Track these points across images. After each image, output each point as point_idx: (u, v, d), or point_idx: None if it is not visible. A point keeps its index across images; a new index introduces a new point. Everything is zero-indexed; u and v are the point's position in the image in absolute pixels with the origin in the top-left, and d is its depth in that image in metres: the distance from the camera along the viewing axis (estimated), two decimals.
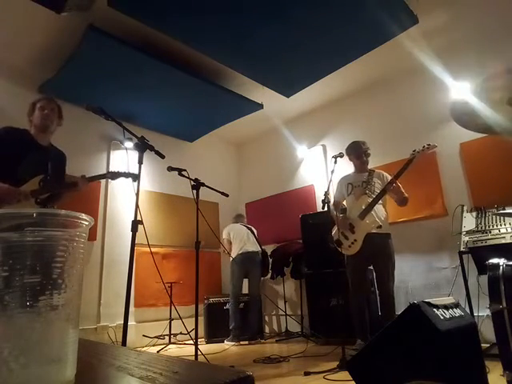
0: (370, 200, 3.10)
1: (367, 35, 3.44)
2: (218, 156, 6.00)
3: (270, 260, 4.84)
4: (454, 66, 3.87)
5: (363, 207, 3.10)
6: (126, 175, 2.59)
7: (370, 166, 3.41)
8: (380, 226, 3.08)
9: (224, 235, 4.66)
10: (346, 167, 3.54)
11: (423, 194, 3.93)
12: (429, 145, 3.01)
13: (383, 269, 3.07)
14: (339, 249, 3.13)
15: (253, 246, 4.53)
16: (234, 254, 4.44)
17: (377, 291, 3.20)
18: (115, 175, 2.59)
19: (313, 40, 3.46)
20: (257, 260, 4.50)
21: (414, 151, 3.04)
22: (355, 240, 3.11)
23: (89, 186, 2.58)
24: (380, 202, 3.15)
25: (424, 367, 1.36)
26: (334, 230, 3.25)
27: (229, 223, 5.76)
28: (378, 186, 3.21)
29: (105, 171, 4.48)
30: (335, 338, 3.42)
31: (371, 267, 3.32)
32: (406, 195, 3.16)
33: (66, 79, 3.80)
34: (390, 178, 3.21)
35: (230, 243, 4.57)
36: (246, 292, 5.00)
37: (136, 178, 2.43)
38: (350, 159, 3.36)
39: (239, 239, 4.57)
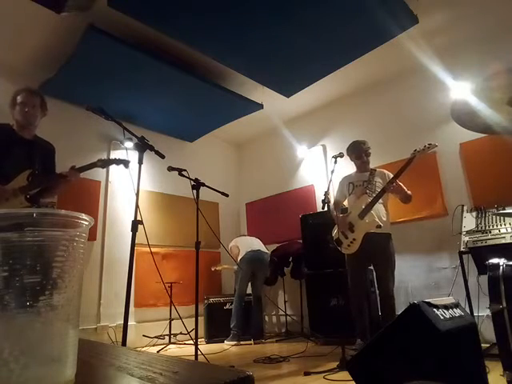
0: (370, 199, 3.10)
1: (367, 35, 3.44)
2: (218, 156, 6.00)
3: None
4: (454, 66, 3.87)
5: (363, 206, 3.09)
6: (117, 162, 2.50)
7: (371, 166, 3.41)
8: (380, 226, 3.04)
9: (231, 244, 4.65)
10: (346, 167, 3.54)
11: (423, 194, 3.93)
12: (430, 144, 2.98)
13: (383, 269, 3.06)
14: (339, 248, 3.13)
15: (261, 247, 4.54)
16: (241, 256, 4.42)
17: (377, 291, 3.20)
18: (106, 163, 2.51)
19: (313, 40, 3.46)
20: (265, 260, 4.48)
21: (414, 151, 3.03)
22: (354, 239, 3.11)
23: (79, 178, 2.44)
24: (381, 201, 3.13)
25: (424, 367, 1.36)
26: (335, 230, 3.26)
27: (229, 223, 5.78)
28: (379, 186, 3.18)
29: (105, 171, 4.51)
30: (335, 338, 3.41)
31: (371, 267, 3.32)
32: (409, 192, 3.13)
33: (65, 79, 3.80)
34: (391, 176, 3.20)
35: (238, 248, 4.55)
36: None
37: (127, 164, 2.39)
38: (351, 159, 3.37)
39: (246, 243, 4.60)
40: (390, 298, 3.00)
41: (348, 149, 3.38)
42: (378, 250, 3.07)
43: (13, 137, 2.37)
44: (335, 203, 3.41)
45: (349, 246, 3.11)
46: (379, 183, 3.21)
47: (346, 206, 3.39)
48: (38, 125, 2.52)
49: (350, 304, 3.18)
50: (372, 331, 3.08)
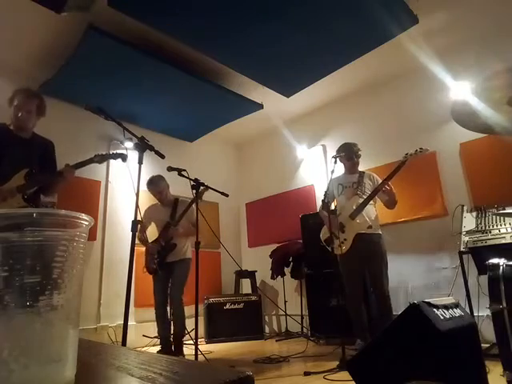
0: (361, 200, 3.13)
1: (367, 35, 3.44)
2: (218, 156, 6.00)
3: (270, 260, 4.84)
4: (454, 66, 3.86)
5: (354, 207, 3.13)
6: (114, 156, 2.50)
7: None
8: (370, 227, 3.10)
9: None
10: None
11: (423, 194, 3.93)
12: (421, 149, 3.05)
13: (376, 269, 3.08)
14: (328, 248, 3.16)
15: None
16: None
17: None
18: (103, 158, 2.50)
19: (313, 40, 3.46)
20: None
21: (406, 154, 3.08)
22: (345, 239, 3.14)
23: (79, 178, 2.46)
24: (371, 202, 3.18)
25: (424, 367, 1.36)
26: (323, 230, 3.27)
27: (229, 223, 5.71)
28: (368, 187, 3.24)
29: (105, 171, 4.51)
30: (335, 338, 3.42)
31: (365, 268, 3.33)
32: (397, 198, 3.17)
33: (65, 79, 3.80)
34: (380, 179, 3.24)
35: None
36: (245, 292, 5.01)
37: (125, 157, 2.40)
38: (341, 160, 3.34)
39: None
40: (386, 297, 3.02)
41: (339, 150, 3.37)
42: (371, 251, 3.09)
43: (10, 136, 2.36)
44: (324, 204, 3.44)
45: (339, 246, 3.13)
46: (369, 185, 3.26)
47: (335, 207, 3.39)
48: (34, 126, 2.49)
49: (348, 305, 3.19)
50: (371, 331, 3.08)
